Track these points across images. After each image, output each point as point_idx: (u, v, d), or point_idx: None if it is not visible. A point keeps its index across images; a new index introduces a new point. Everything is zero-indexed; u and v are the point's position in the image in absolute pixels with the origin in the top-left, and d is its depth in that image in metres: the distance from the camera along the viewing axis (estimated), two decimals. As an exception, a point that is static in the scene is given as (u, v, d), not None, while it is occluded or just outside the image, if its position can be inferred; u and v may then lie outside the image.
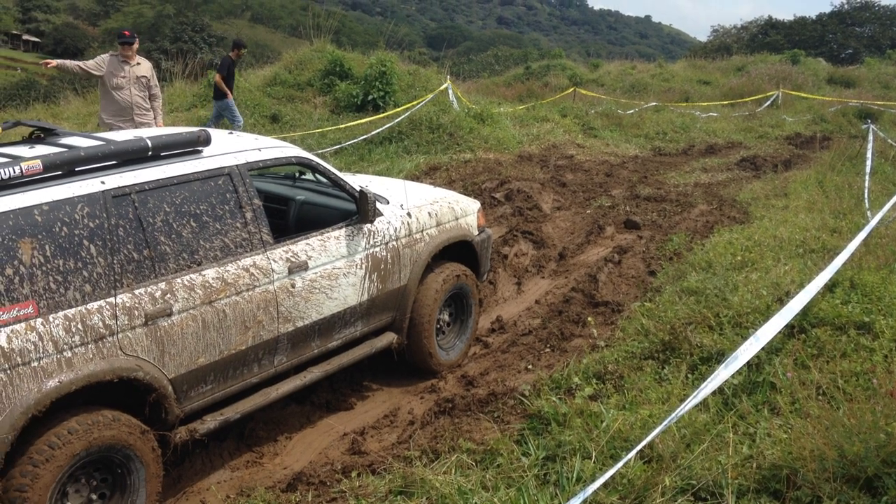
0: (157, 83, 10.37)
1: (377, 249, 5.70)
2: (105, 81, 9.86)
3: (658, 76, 33.16)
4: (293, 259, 5.05)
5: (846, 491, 3.58)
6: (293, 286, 5.03)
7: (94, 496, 4.14)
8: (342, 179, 5.67)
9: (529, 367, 6.35)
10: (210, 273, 4.55)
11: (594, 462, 4.26)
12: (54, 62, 10.10)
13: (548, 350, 6.72)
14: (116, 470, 4.19)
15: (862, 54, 53.11)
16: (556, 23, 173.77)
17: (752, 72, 32.63)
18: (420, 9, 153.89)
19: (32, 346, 3.78)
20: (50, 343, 3.85)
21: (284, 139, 9.92)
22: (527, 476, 4.27)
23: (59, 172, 4.08)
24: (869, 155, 12.30)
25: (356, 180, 6.28)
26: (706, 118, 23.29)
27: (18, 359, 3.73)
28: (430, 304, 6.14)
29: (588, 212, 11.71)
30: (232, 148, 5.01)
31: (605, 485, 3.85)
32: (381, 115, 16.48)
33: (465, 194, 7.63)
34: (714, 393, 4.61)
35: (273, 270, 4.91)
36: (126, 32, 10.25)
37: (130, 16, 72.40)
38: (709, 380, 4.18)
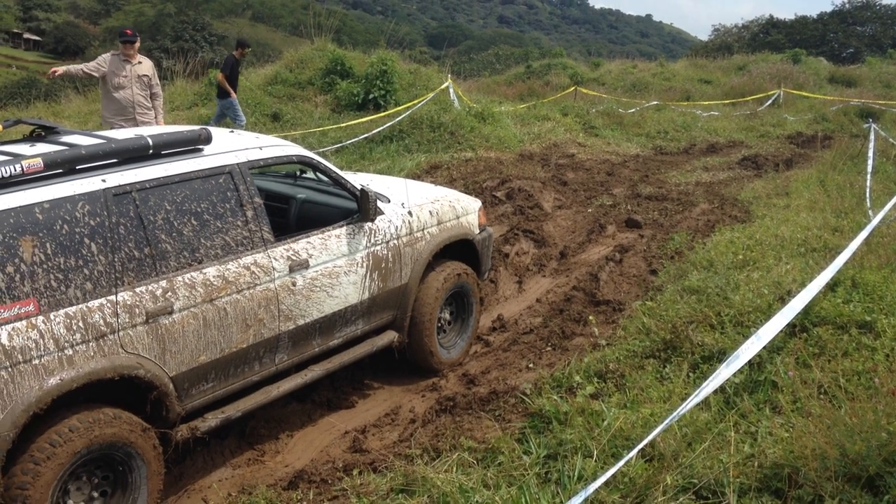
0: (158, 82, 10.37)
1: (378, 248, 5.69)
2: (107, 80, 9.86)
3: (659, 75, 33.15)
4: (294, 257, 5.05)
5: (848, 490, 3.58)
6: (294, 284, 5.03)
7: (95, 494, 4.14)
8: (343, 178, 5.67)
9: (531, 365, 6.35)
10: (211, 271, 4.55)
11: (595, 461, 4.26)
12: (61, 70, 10.09)
13: (549, 349, 6.71)
14: (118, 467, 4.19)
15: (863, 53, 53.09)
16: (557, 21, 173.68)
17: (753, 71, 32.61)
18: (421, 8, 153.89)
19: (33, 344, 3.78)
20: (51, 341, 3.85)
21: (285, 138, 9.93)
22: (528, 474, 4.27)
23: (60, 171, 4.08)
24: (870, 154, 12.29)
25: (357, 179, 6.28)
26: (707, 117, 23.27)
27: (20, 356, 3.73)
28: (432, 303, 6.14)
29: (589, 210, 11.70)
30: (233, 146, 5.01)
31: (606, 483, 3.84)
32: (382, 114, 16.47)
33: (466, 193, 7.62)
34: (715, 392, 4.60)
35: (274, 269, 4.90)
36: (128, 31, 10.25)
37: (131, 14, 72.34)
38: (710, 378, 4.18)
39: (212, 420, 4.70)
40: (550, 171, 14.27)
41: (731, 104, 26.19)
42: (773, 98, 26.50)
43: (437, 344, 6.35)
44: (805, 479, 3.70)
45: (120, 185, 4.25)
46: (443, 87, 18.57)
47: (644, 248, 9.67)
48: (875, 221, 7.11)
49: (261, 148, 5.17)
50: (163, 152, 4.56)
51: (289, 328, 5.04)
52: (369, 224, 5.62)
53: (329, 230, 5.38)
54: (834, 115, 23.67)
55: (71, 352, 3.92)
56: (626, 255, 9.39)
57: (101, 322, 4.05)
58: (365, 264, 5.58)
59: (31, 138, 4.67)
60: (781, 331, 5.00)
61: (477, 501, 4.02)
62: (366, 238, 5.59)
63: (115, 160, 4.33)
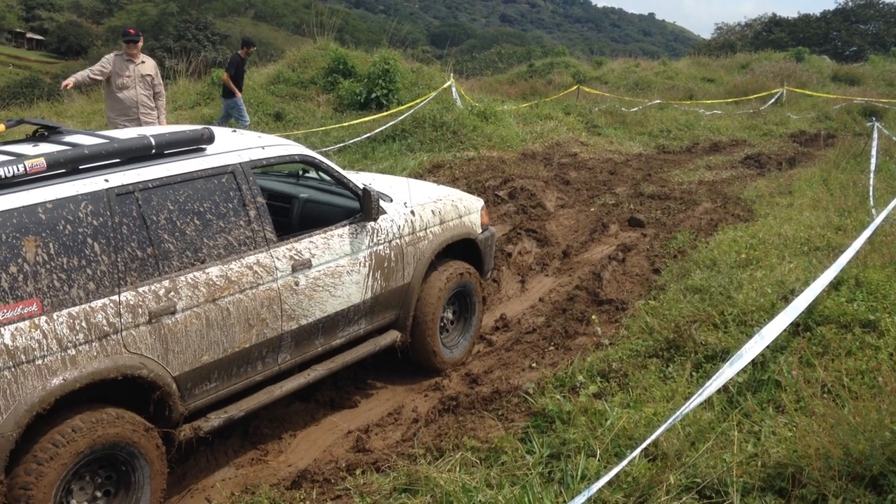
0: (161, 81, 10.38)
1: (381, 247, 5.69)
2: (110, 81, 9.87)
3: (662, 74, 33.14)
4: (297, 257, 5.05)
5: (851, 489, 3.57)
6: (297, 284, 5.03)
7: (98, 493, 4.15)
8: (345, 177, 5.66)
9: (533, 365, 6.35)
10: (214, 271, 4.55)
11: (598, 460, 4.25)
12: (71, 82, 10.10)
13: (552, 348, 6.71)
14: (121, 467, 4.19)
15: (866, 52, 52.98)
16: (560, 20, 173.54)
17: (756, 69, 32.57)
18: (423, 6, 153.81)
19: (37, 344, 3.79)
20: (54, 341, 3.85)
21: (288, 137, 9.93)
22: (531, 474, 4.26)
23: (63, 170, 4.08)
24: (874, 152, 12.27)
25: (359, 178, 6.27)
26: (710, 116, 23.25)
27: (23, 356, 3.74)
28: (434, 302, 6.14)
29: (592, 210, 11.69)
30: (235, 146, 5.01)
31: (609, 483, 3.84)
32: (385, 113, 16.46)
33: (468, 192, 7.62)
34: (719, 391, 4.59)
35: (277, 268, 4.90)
36: (131, 31, 10.25)
37: (134, 14, 72.46)
38: (713, 378, 4.17)
39: (215, 420, 4.70)
40: (553, 171, 14.26)
41: (734, 103, 26.17)
42: (776, 96, 26.47)
43: (440, 343, 6.35)
44: (808, 478, 3.69)
45: (123, 185, 4.25)
46: (445, 86, 18.56)
47: (647, 247, 9.67)
48: (878, 220, 7.09)
49: (263, 147, 5.17)
50: (165, 152, 4.56)
51: (291, 328, 5.04)
52: (372, 223, 5.62)
53: (332, 230, 5.38)
54: (837, 113, 23.65)
55: (74, 352, 3.93)
56: (629, 254, 9.38)
57: (104, 322, 4.05)
58: (367, 264, 5.58)
59: (34, 138, 4.67)
60: (785, 330, 4.99)
61: (480, 501, 4.02)
62: (368, 237, 5.59)
63: (117, 160, 4.33)
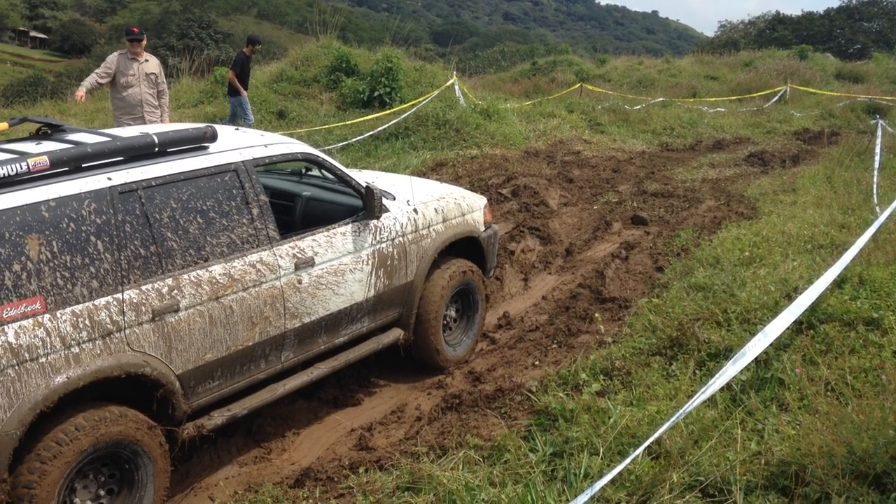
0: (165, 80, 10.39)
1: (383, 245, 5.69)
2: (115, 80, 9.88)
3: (665, 71, 33.07)
4: (300, 255, 5.05)
5: (855, 487, 3.57)
6: (300, 282, 5.03)
7: (102, 492, 4.15)
8: (348, 175, 5.66)
9: (536, 363, 6.35)
10: (217, 269, 4.56)
11: (601, 458, 4.25)
12: (83, 92, 10.12)
13: (555, 346, 6.71)
14: (124, 465, 4.20)
15: (870, 49, 52.83)
16: (563, 18, 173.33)
17: (759, 67, 32.49)
18: (426, 5, 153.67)
19: (40, 342, 3.79)
20: (57, 339, 3.85)
21: (291, 135, 9.92)
22: (534, 472, 4.26)
23: (66, 169, 4.09)
24: (877, 150, 12.25)
25: (362, 176, 6.27)
26: (714, 114, 23.21)
27: (26, 354, 3.74)
28: (437, 301, 6.14)
29: (595, 208, 11.68)
30: (238, 144, 5.01)
31: (612, 481, 3.84)
32: (388, 112, 16.47)
33: (471, 190, 7.62)
34: (722, 389, 4.59)
35: (280, 266, 4.91)
36: (134, 29, 10.27)
37: (137, 12, 72.55)
38: (717, 376, 4.17)
39: (218, 418, 4.70)
40: (556, 169, 14.25)
41: (738, 100, 26.12)
42: (779, 94, 26.42)
43: (443, 341, 6.35)
44: (812, 476, 3.69)
45: (126, 183, 4.26)
46: (448, 84, 18.56)
47: (650, 245, 9.66)
48: (882, 218, 7.09)
49: (266, 146, 5.17)
50: (168, 150, 4.57)
51: (295, 326, 5.05)
52: (375, 222, 5.62)
53: (334, 228, 5.38)
54: (841, 111, 23.59)
55: (77, 350, 3.93)
56: (632, 252, 9.37)
57: (108, 320, 4.05)
58: (370, 262, 5.58)
59: (37, 136, 4.68)
60: (788, 328, 4.99)
61: (483, 499, 4.02)
62: (371, 236, 5.59)
63: (120, 158, 4.34)
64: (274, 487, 4.69)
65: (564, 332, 6.97)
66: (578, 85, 26.74)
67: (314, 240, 5.19)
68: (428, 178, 10.78)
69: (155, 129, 5.01)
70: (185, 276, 4.41)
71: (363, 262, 5.52)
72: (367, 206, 5.52)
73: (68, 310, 3.92)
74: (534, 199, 11.49)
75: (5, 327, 3.69)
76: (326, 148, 13.49)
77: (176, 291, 4.34)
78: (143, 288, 4.22)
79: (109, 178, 4.21)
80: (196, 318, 4.44)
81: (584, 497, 3.57)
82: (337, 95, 18.13)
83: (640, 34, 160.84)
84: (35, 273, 3.82)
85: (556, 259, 9.35)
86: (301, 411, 5.76)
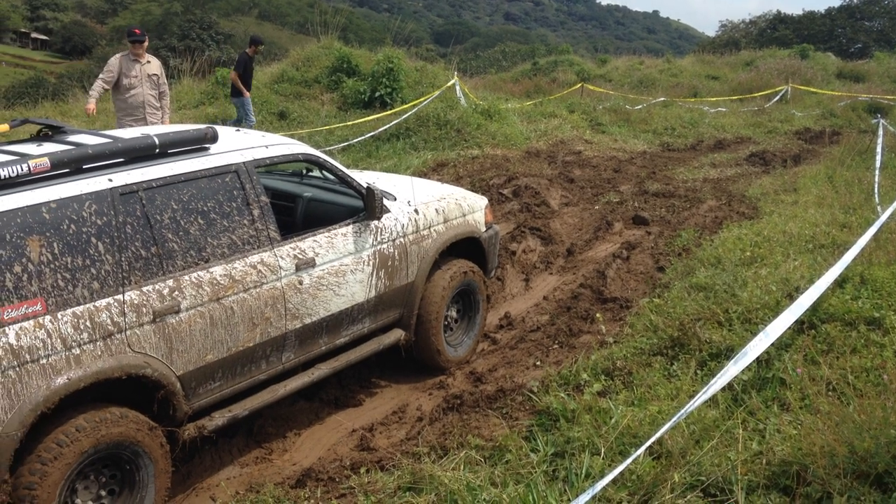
0: (166, 80, 10.41)
1: (384, 246, 5.69)
2: (118, 82, 9.90)
3: (666, 71, 33.06)
4: (301, 256, 5.05)
5: (856, 487, 3.56)
6: (301, 283, 5.03)
7: (103, 493, 4.15)
8: (349, 176, 5.66)
9: (538, 363, 6.34)
10: (218, 270, 4.56)
11: (603, 458, 4.25)
12: (93, 103, 10.14)
13: (556, 346, 6.71)
14: (125, 466, 4.20)
15: (871, 49, 52.78)
16: (564, 18, 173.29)
17: (760, 67, 32.47)
18: (427, 5, 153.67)
19: (41, 344, 3.79)
20: (58, 340, 3.85)
21: (292, 136, 9.94)
22: (535, 472, 4.26)
23: (67, 170, 4.09)
24: (879, 150, 12.25)
25: (363, 177, 6.28)
26: (715, 113, 23.21)
27: (27, 356, 3.74)
28: (438, 301, 6.13)
29: (596, 208, 11.68)
30: (239, 145, 5.01)
31: (613, 481, 3.84)
32: (389, 112, 16.47)
33: (472, 191, 7.62)
34: (723, 389, 4.58)
35: (281, 267, 4.91)
36: (136, 31, 10.30)
37: (138, 13, 72.61)
38: (718, 376, 4.17)
39: (219, 419, 4.70)
40: (557, 169, 14.25)
41: (739, 100, 26.11)
42: (780, 94, 26.40)
43: (444, 342, 6.35)
44: (813, 476, 3.69)
45: (126, 185, 4.26)
46: (449, 84, 18.56)
47: (651, 245, 9.65)
48: (884, 217, 7.08)
49: (267, 146, 5.17)
50: (169, 151, 4.57)
51: (295, 327, 5.05)
52: (375, 222, 5.62)
53: (335, 229, 5.38)
54: (842, 110, 23.58)
55: (78, 351, 3.93)
56: (634, 252, 9.37)
57: (109, 321, 4.06)
58: (371, 262, 5.58)
59: (38, 138, 4.68)
60: (789, 328, 4.99)
61: (484, 499, 4.02)
62: (372, 236, 5.59)
63: (121, 159, 4.34)
64: (275, 488, 4.69)
65: (566, 332, 6.97)
66: (579, 85, 26.74)
67: (315, 240, 5.19)
68: (429, 178, 10.77)
69: (156, 130, 5.01)
70: (186, 278, 4.41)
71: (364, 262, 5.52)
72: (368, 206, 5.52)
73: (69, 311, 3.92)
74: (535, 200, 11.49)
75: (6, 329, 3.69)
76: (327, 149, 13.50)
77: (177, 292, 4.35)
78: (144, 289, 4.22)
79: (110, 180, 4.21)
80: (197, 319, 4.44)
81: (586, 497, 3.57)
82: (338, 96, 18.14)
83: (641, 34, 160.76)
84: (36, 274, 3.83)
85: (557, 259, 9.35)
86: (302, 412, 5.76)
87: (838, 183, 11.65)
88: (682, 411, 3.98)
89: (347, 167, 5.99)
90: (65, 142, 4.49)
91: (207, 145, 4.79)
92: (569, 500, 3.93)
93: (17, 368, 3.71)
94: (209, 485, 4.95)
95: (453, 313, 6.53)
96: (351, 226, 5.47)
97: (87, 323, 3.97)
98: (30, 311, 3.78)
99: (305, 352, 5.27)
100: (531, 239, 9.87)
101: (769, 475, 3.86)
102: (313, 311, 5.15)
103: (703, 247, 8.85)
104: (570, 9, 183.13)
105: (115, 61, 9.96)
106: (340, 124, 15.90)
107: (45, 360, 3.80)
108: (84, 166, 4.17)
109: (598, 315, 7.03)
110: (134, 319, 4.16)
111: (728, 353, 5.29)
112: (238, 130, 5.54)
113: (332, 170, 5.61)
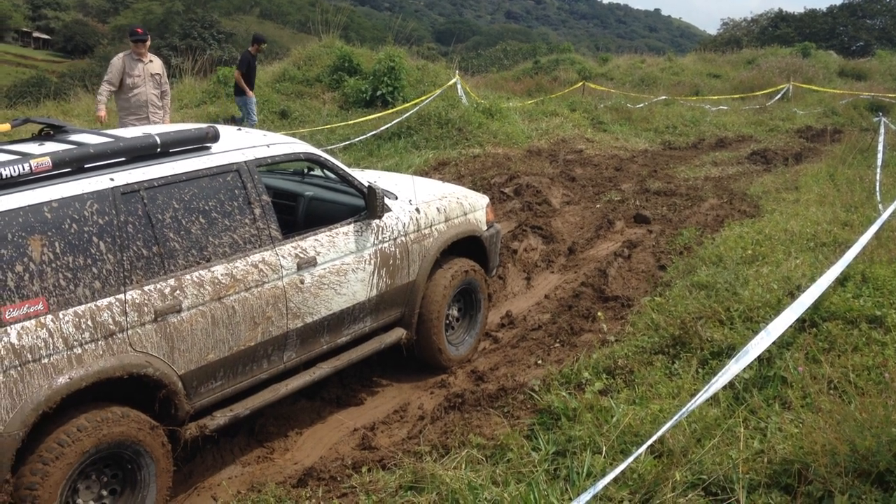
0: (168, 80, 10.42)
1: (386, 245, 5.69)
2: (122, 82, 9.90)
3: (668, 70, 33.05)
4: (302, 255, 5.05)
5: (858, 485, 3.57)
6: (302, 282, 5.04)
7: (104, 492, 4.16)
8: (350, 175, 5.67)
9: (539, 362, 6.34)
10: (219, 269, 4.56)
11: (604, 457, 4.25)
12: (103, 108, 10.16)
13: (557, 345, 6.71)
14: (127, 466, 4.20)
15: (873, 47, 52.73)
16: (565, 17, 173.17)
17: (762, 65, 32.46)
18: (428, 4, 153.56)
19: (42, 343, 3.79)
20: (60, 340, 3.86)
21: (293, 135, 9.93)
22: (537, 471, 4.26)
23: (69, 169, 4.09)
24: (880, 148, 12.24)
25: (364, 176, 6.28)
26: (716, 112, 23.20)
27: (28, 355, 3.75)
28: (439, 300, 6.14)
29: (597, 206, 11.68)
30: (240, 144, 5.01)
31: (615, 480, 3.84)
32: (390, 111, 16.48)
33: (473, 189, 7.61)
34: (725, 388, 4.59)
35: (282, 266, 4.91)
36: (139, 30, 10.30)
37: (140, 12, 72.54)
38: (719, 374, 4.17)
39: (220, 418, 4.71)
40: (558, 167, 14.24)
41: (740, 98, 26.10)
42: (782, 92, 26.39)
43: (446, 341, 6.35)
44: (815, 474, 3.69)
45: (128, 184, 4.26)
46: (450, 83, 18.56)
47: (652, 243, 9.65)
48: (885, 215, 7.08)
49: (268, 146, 5.17)
50: (170, 150, 4.57)
51: (297, 326, 5.05)
52: (377, 221, 5.62)
53: (337, 227, 5.38)
54: (843, 108, 23.56)
55: (80, 350, 3.94)
56: (635, 250, 9.36)
57: (110, 320, 4.06)
58: (373, 261, 5.58)
59: (40, 137, 4.68)
60: (791, 326, 4.99)
61: (486, 498, 4.02)
62: (373, 235, 5.59)
63: (123, 159, 4.34)
64: (277, 487, 4.70)
65: (567, 330, 6.97)
66: (581, 83, 26.73)
67: (316, 239, 5.19)
68: (430, 177, 10.78)
69: (157, 129, 5.01)
70: (188, 277, 4.41)
71: (365, 261, 5.52)
72: (370, 205, 5.52)
73: (71, 310, 3.92)
74: (536, 198, 11.49)
75: (8, 328, 3.69)
76: (329, 147, 13.51)
77: (178, 292, 4.35)
78: (146, 288, 4.22)
79: (112, 179, 4.22)
80: (198, 318, 4.44)
81: (587, 496, 3.57)
82: (339, 95, 18.15)
83: (643, 32, 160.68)
84: (37, 274, 3.83)
85: (558, 258, 9.34)
86: (304, 411, 5.77)
87: (840, 181, 11.64)
88: (684, 410, 3.98)
89: (349, 166, 5.99)
90: (66, 141, 4.49)
91: (209, 144, 4.79)
92: (570, 498, 3.93)
93: (19, 368, 3.71)
94: (211, 484, 4.95)
95: (455, 312, 6.54)
96: (352, 225, 5.47)
97: (89, 322, 3.97)
98: (31, 310, 3.79)
99: (307, 351, 5.27)
100: (532, 237, 9.87)
101: (770, 474, 3.86)
102: (315, 310, 5.15)
103: (704, 245, 8.85)
104: (572, 7, 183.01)
105: (117, 61, 9.96)
106: (342, 123, 15.90)
107: (46, 360, 3.81)
108: (85, 166, 4.17)
109: (599, 314, 7.03)
110: (135, 319, 4.16)
111: (729, 352, 5.29)
112: (239, 129, 5.54)
113: (333, 169, 5.61)
